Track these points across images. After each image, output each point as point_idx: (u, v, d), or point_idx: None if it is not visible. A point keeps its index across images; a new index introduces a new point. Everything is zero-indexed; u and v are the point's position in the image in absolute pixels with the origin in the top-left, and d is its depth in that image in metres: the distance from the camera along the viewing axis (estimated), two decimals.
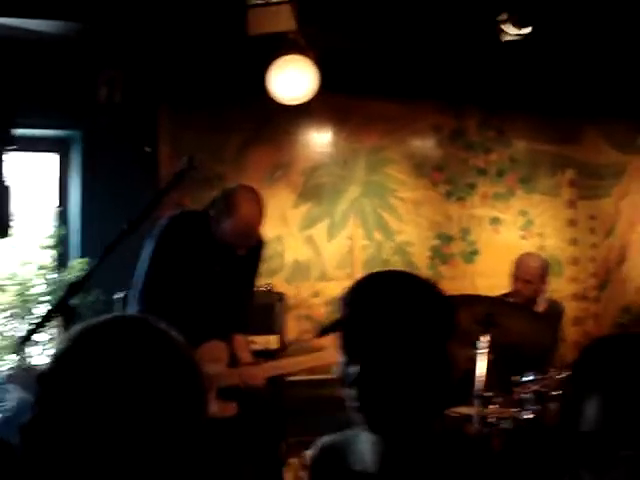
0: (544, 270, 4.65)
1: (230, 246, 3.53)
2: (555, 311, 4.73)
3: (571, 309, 5.76)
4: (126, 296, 4.07)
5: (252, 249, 3.66)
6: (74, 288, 2.65)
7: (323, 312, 5.35)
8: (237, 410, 3.60)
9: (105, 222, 4.33)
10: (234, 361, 3.63)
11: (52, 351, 1.23)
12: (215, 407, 3.50)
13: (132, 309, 3.50)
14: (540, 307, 4.64)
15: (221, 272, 3.61)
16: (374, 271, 1.68)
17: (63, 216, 4.94)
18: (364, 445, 1.60)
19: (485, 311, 3.65)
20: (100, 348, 1.19)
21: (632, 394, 1.34)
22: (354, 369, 1.51)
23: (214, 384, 3.50)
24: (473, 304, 3.79)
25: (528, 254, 4.88)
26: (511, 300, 4.51)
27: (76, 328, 1.23)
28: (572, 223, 6.12)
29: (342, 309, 1.61)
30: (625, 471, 1.32)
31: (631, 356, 1.45)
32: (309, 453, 1.69)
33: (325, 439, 1.71)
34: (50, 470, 1.15)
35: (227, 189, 3.67)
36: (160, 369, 1.20)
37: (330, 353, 3.90)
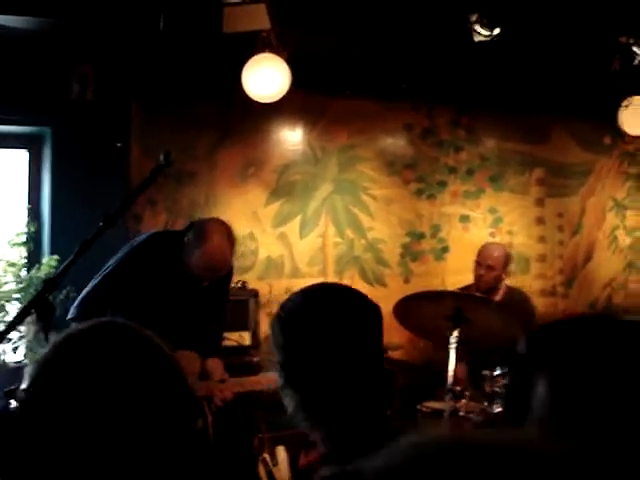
0: (507, 259, 4.84)
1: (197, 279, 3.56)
2: (516, 299, 4.82)
3: (539, 305, 5.85)
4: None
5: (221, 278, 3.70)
6: (49, 284, 2.64)
7: None
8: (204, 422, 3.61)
9: (76, 219, 4.34)
10: (204, 375, 3.65)
11: (33, 356, 1.23)
12: None
13: (72, 309, 3.52)
14: (498, 296, 4.74)
15: (185, 296, 3.62)
16: (297, 291, 1.73)
17: (34, 213, 4.90)
18: None
19: (453, 306, 3.71)
20: (86, 354, 1.19)
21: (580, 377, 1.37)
22: (295, 396, 1.61)
23: None
24: (440, 300, 3.84)
25: (492, 243, 5.12)
26: (473, 289, 4.66)
27: (60, 335, 1.23)
28: (540, 221, 6.22)
29: (276, 336, 1.66)
30: None
31: (579, 340, 1.49)
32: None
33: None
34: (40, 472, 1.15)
35: (200, 220, 3.69)
36: (146, 374, 1.20)
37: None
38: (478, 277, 4.76)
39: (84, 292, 3.53)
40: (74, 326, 1.27)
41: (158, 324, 3.57)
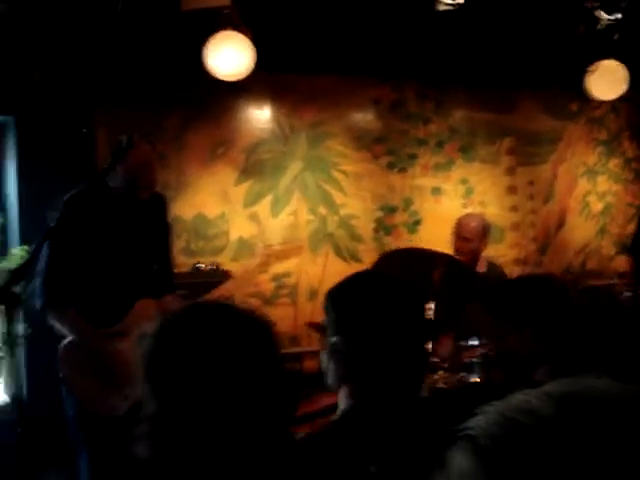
0: (484, 229, 4.77)
1: (132, 197, 3.57)
2: (495, 273, 4.84)
3: (513, 274, 5.88)
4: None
5: (155, 203, 3.72)
6: (16, 275, 2.62)
7: (270, 288, 5.37)
8: None
9: (44, 207, 4.27)
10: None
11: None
12: None
13: (37, 300, 3.47)
14: (481, 269, 4.75)
15: (129, 230, 3.62)
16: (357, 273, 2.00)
17: (1, 204, 4.84)
18: None
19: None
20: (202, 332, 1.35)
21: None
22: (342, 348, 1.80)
23: None
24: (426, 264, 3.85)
25: (469, 214, 5.06)
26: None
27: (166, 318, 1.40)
28: (512, 190, 6.23)
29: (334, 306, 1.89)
30: None
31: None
32: None
33: None
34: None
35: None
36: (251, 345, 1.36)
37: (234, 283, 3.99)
38: (456, 249, 4.71)
39: (40, 279, 3.47)
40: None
41: (118, 269, 3.58)
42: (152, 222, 3.74)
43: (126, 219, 3.61)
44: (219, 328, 1.36)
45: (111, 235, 3.57)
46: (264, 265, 4.04)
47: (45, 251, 3.44)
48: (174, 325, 1.38)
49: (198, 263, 4.68)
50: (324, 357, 1.86)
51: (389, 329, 1.79)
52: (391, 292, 1.86)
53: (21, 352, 4.25)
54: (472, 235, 4.70)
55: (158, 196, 3.78)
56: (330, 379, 1.84)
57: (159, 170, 3.77)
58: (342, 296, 1.89)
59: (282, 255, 4.09)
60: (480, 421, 0.65)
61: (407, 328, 1.82)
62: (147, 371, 1.34)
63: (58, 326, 3.46)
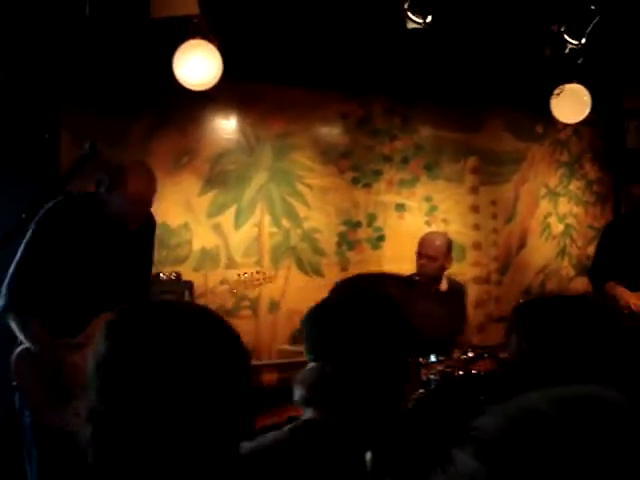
0: (448, 248, 4.79)
1: (121, 223, 3.53)
2: (457, 291, 4.87)
3: (474, 292, 5.92)
4: None
5: (144, 226, 3.68)
6: None
7: (231, 300, 5.33)
8: None
9: (3, 211, 4.21)
10: None
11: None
12: None
13: (2, 300, 3.38)
14: (443, 286, 4.76)
15: (113, 250, 3.57)
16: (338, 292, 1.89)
17: None
18: None
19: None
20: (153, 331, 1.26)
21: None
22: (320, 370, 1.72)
23: None
24: (378, 288, 3.85)
25: (432, 232, 5.09)
26: (416, 279, 4.65)
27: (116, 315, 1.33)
28: (474, 209, 6.27)
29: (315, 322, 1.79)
30: None
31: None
32: None
33: None
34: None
35: (115, 165, 3.64)
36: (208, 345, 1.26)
37: None
38: (420, 267, 4.71)
39: (7, 279, 3.40)
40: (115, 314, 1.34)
41: (92, 285, 3.53)
42: (138, 242, 3.70)
43: (113, 238, 3.56)
44: (181, 327, 1.27)
45: (93, 250, 3.51)
46: (233, 292, 4.03)
47: (20, 253, 3.38)
48: (130, 322, 1.30)
49: (160, 273, 4.65)
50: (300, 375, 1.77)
51: (364, 359, 1.71)
52: (369, 318, 1.77)
53: None
54: (437, 254, 4.70)
55: (148, 215, 3.74)
56: (298, 398, 1.75)
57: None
58: (314, 321, 1.79)
59: (251, 285, 4.08)
60: (485, 421, 0.65)
61: (385, 358, 1.74)
62: (98, 371, 1.26)
63: (16, 330, 3.39)
